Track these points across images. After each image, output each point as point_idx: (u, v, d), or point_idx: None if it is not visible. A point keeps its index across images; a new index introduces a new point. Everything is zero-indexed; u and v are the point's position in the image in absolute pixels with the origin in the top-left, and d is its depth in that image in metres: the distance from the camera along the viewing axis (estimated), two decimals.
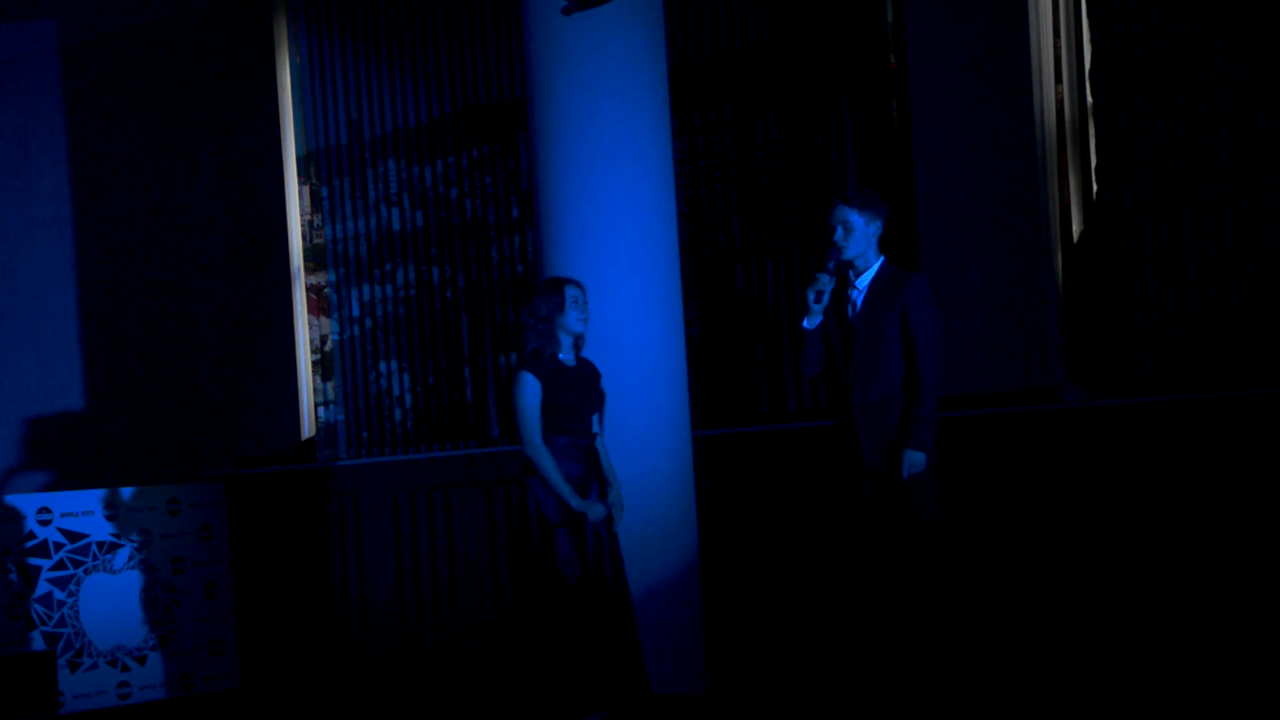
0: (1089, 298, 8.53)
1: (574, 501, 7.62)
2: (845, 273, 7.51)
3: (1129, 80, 8.31)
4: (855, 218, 7.44)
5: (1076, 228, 8.62)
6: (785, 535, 9.12)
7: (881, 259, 7.49)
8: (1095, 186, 8.50)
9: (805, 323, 7.53)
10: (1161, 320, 8.25)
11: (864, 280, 7.47)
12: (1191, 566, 7.88)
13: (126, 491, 10.57)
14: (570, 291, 7.73)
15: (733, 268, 9.60)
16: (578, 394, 7.72)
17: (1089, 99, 8.52)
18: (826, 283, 7.44)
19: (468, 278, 10.69)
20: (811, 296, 7.46)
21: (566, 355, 7.77)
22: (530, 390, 7.66)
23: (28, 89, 12.15)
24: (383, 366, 11.09)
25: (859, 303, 7.47)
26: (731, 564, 9.24)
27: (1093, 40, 8.47)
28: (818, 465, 9.01)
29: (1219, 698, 7.39)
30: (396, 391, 11.02)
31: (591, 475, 7.76)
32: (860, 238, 7.45)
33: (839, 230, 7.46)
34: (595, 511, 7.65)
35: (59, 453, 12.13)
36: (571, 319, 7.72)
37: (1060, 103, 8.61)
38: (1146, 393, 8.20)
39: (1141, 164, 8.29)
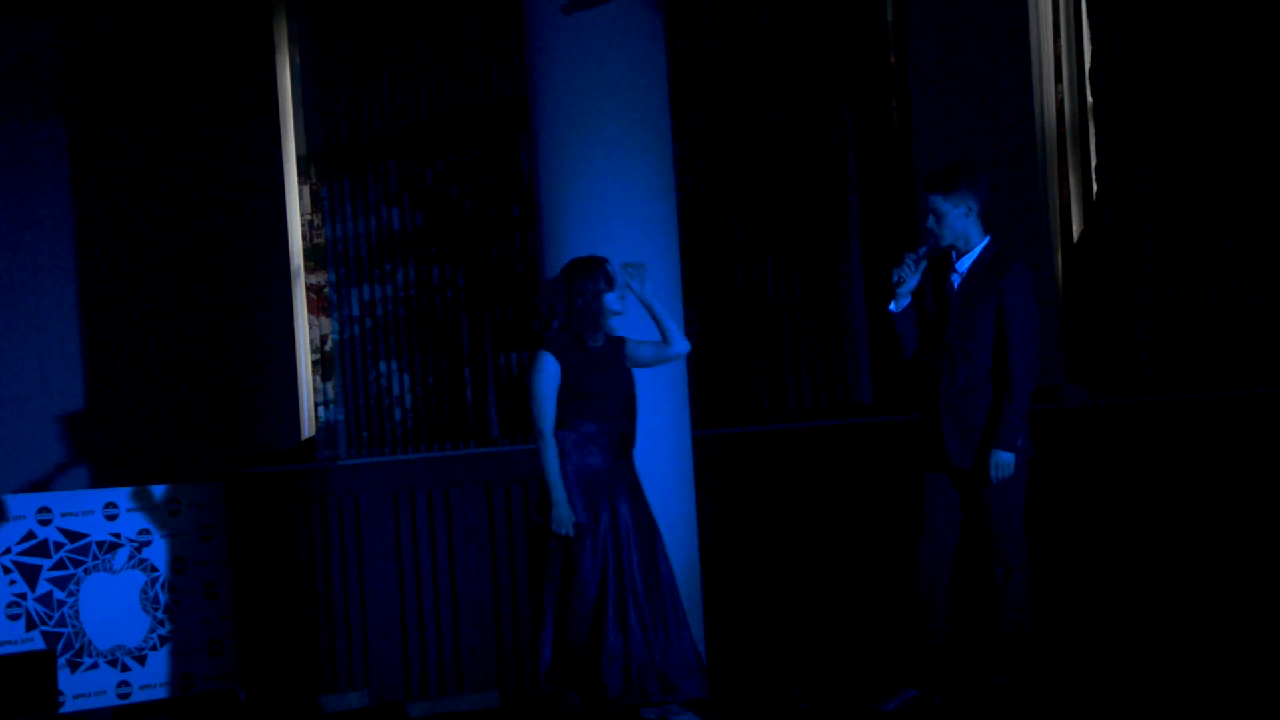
0: (1089, 298, 8.53)
1: (560, 508, 7.35)
2: (948, 253, 7.22)
3: (1129, 80, 8.30)
4: (942, 204, 7.15)
5: (1076, 228, 8.62)
6: (785, 535, 9.11)
7: (987, 239, 7.21)
8: (1095, 186, 8.50)
9: (891, 306, 7.29)
10: (1161, 320, 8.24)
11: (965, 262, 7.18)
12: (1191, 566, 7.88)
13: (126, 491, 10.57)
14: (609, 269, 7.47)
15: (733, 267, 9.60)
16: (605, 377, 7.43)
17: (1089, 99, 8.52)
18: (907, 271, 7.18)
19: (468, 278, 10.69)
20: (894, 279, 7.23)
21: (595, 338, 7.49)
22: (548, 374, 7.37)
23: (28, 89, 12.15)
24: (383, 366, 11.09)
25: (956, 285, 7.20)
26: (731, 564, 9.24)
27: (1093, 40, 8.46)
28: (816, 465, 9.01)
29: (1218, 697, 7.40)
30: (396, 391, 11.02)
31: (618, 470, 7.48)
32: (954, 222, 7.16)
33: (929, 219, 7.18)
34: (560, 527, 7.34)
35: (59, 453, 12.13)
36: (612, 297, 7.44)
37: (1060, 103, 8.61)
38: (1146, 393, 8.19)
39: (1141, 164, 8.29)
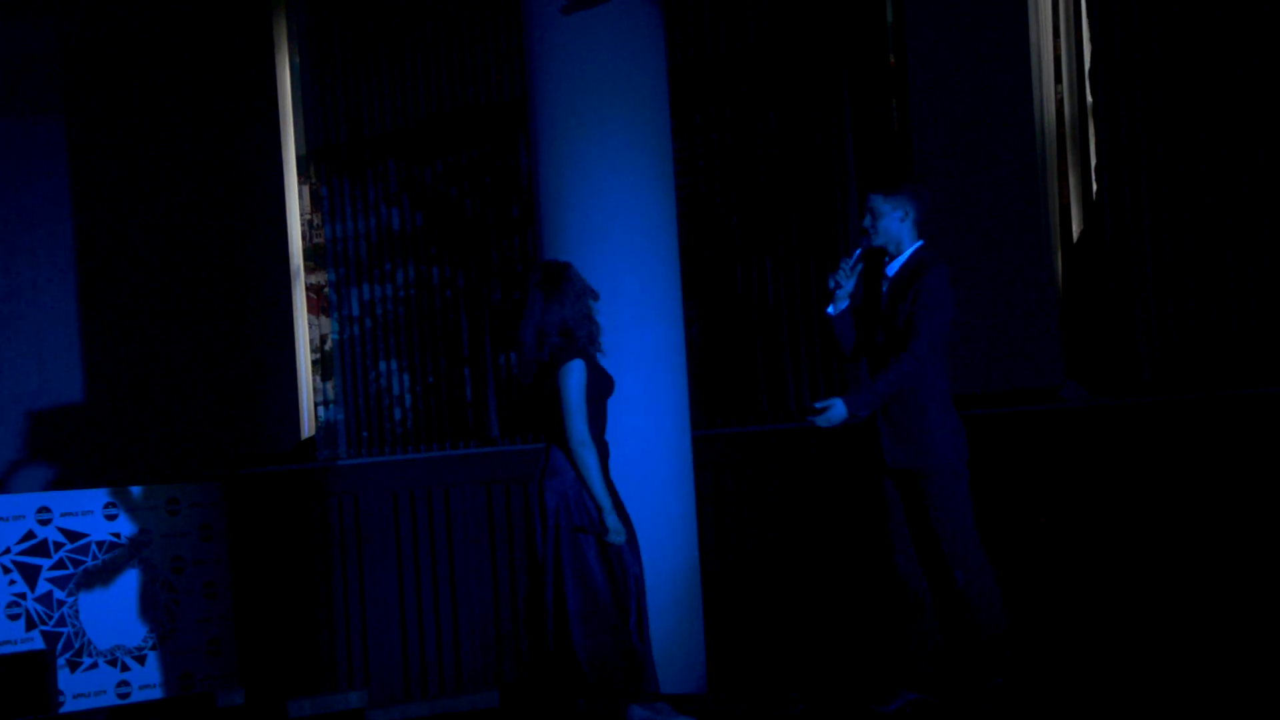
0: (1089, 298, 8.53)
1: (610, 518, 7.26)
2: (881, 259, 7.38)
3: (1129, 80, 8.31)
4: (882, 205, 7.31)
5: (1076, 228, 8.63)
6: (785, 535, 9.12)
7: (917, 245, 7.34)
8: (1095, 186, 8.50)
9: (830, 309, 7.43)
10: (1161, 320, 8.25)
11: (893, 267, 7.33)
12: (1191, 566, 7.89)
13: (126, 491, 10.57)
14: (578, 286, 7.39)
15: (732, 268, 9.60)
16: (602, 383, 7.40)
17: (1089, 99, 8.52)
18: (843, 275, 7.34)
19: (468, 278, 10.69)
20: (831, 283, 7.38)
21: (596, 348, 7.46)
22: (584, 380, 7.24)
23: (28, 88, 12.15)
24: (383, 366, 11.09)
25: (884, 290, 7.33)
26: (731, 564, 9.24)
27: (1093, 40, 8.47)
28: (816, 465, 9.01)
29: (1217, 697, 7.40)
30: (396, 391, 11.03)
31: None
32: (889, 224, 7.31)
33: (867, 217, 7.35)
34: (619, 536, 7.28)
35: (59, 452, 12.13)
36: (590, 306, 7.38)
37: (1060, 103, 8.61)
38: (1146, 393, 8.20)
39: (1141, 164, 8.29)
